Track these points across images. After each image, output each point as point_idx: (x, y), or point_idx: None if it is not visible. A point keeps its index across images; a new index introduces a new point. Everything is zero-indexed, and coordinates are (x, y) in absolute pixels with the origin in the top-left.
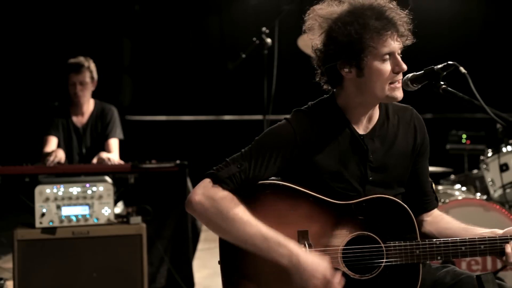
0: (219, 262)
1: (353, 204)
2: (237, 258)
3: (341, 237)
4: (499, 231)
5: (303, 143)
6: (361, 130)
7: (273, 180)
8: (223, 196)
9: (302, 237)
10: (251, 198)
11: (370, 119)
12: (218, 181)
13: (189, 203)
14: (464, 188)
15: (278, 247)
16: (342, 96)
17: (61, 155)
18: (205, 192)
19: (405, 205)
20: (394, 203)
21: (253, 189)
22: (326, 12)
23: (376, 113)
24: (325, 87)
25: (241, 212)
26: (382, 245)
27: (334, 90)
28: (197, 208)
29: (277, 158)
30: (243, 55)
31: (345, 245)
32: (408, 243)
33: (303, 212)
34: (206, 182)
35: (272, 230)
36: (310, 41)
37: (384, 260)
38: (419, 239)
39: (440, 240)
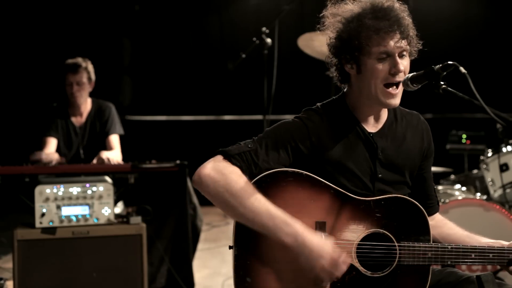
0: (230, 247)
1: (372, 201)
2: (251, 243)
3: (357, 232)
4: (505, 243)
5: (315, 138)
6: (370, 128)
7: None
8: (232, 170)
9: (319, 228)
10: (272, 184)
11: (378, 119)
12: (228, 157)
13: (197, 176)
14: (464, 188)
15: (284, 225)
16: (350, 95)
17: (53, 157)
18: (215, 166)
19: (423, 208)
20: (412, 204)
21: (275, 175)
22: (340, 10)
23: (384, 114)
24: (338, 84)
25: (249, 189)
26: (396, 244)
27: (344, 90)
28: (206, 180)
29: (290, 148)
30: (243, 55)
31: (360, 241)
32: (421, 245)
33: (322, 204)
34: (216, 158)
35: (279, 209)
36: (327, 39)
37: (397, 259)
38: (431, 242)
39: (452, 245)
